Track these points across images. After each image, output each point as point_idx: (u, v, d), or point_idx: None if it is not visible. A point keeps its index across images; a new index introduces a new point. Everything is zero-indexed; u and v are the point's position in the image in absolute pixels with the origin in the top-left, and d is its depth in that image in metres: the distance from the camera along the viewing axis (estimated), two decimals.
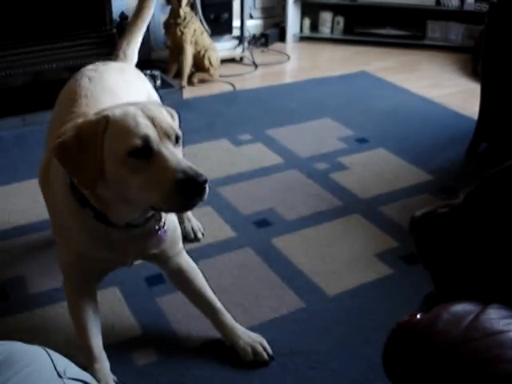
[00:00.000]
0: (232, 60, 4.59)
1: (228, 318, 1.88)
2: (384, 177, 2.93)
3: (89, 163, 1.44)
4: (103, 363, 1.74)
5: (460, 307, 0.72)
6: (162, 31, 4.24)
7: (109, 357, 1.81)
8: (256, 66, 4.52)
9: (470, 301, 0.76)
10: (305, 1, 5.08)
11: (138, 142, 1.40)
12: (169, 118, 1.51)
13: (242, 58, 4.64)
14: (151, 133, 1.42)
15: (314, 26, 5.23)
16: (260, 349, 1.83)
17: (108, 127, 1.43)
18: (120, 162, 1.42)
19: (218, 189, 2.77)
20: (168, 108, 1.60)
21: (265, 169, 2.99)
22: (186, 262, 1.90)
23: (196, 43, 4.09)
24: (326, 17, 5.16)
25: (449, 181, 2.91)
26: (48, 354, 1.00)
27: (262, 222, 2.54)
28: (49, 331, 1.96)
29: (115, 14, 3.94)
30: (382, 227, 2.51)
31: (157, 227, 1.66)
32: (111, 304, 2.07)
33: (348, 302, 2.07)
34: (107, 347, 1.85)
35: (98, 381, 1.64)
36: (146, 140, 1.41)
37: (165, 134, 1.44)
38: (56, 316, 2.01)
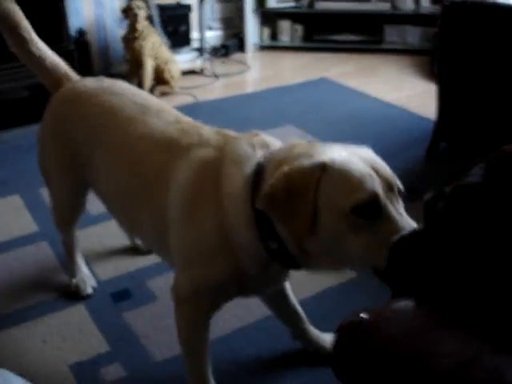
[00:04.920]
0: (192, 72, 4.60)
1: (311, 327, 1.89)
2: None
3: (299, 214, 1.29)
4: None
5: (402, 304, 0.74)
6: (121, 45, 4.23)
7: (77, 374, 1.81)
8: (217, 76, 4.53)
9: (411, 298, 0.78)
10: (263, 10, 5.12)
11: (365, 197, 1.25)
12: (388, 168, 1.34)
13: (202, 70, 4.65)
14: (379, 188, 1.27)
15: (274, 35, 5.28)
16: None
17: (325, 176, 1.28)
18: (340, 218, 1.26)
19: None
20: None
21: None
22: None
23: (155, 56, 4.09)
24: (285, 25, 5.21)
25: (411, 182, 2.94)
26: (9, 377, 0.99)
27: None
28: (14, 353, 1.94)
29: (72, 31, 3.92)
30: None
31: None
32: (78, 322, 2.05)
33: (313, 307, 2.08)
34: (75, 365, 1.85)
35: None
36: (375, 197, 1.25)
37: (390, 187, 1.29)
38: (22, 337, 1.99)
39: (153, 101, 1.78)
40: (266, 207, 1.33)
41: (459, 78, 2.95)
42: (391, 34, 5.09)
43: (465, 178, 0.91)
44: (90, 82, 1.87)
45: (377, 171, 1.29)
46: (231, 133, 1.58)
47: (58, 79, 1.92)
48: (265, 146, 1.50)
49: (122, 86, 1.85)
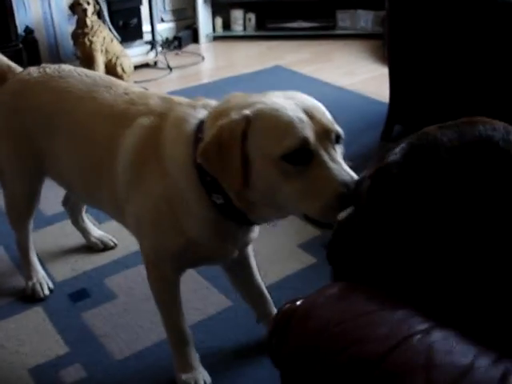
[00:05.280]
0: (146, 65, 4.56)
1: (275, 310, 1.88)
2: None
3: (231, 168, 1.29)
4: (193, 347, 1.75)
5: (334, 290, 0.74)
6: (71, 42, 4.15)
7: (36, 377, 1.78)
8: (171, 69, 4.49)
9: (349, 282, 0.78)
10: (215, 0, 5.08)
11: (294, 143, 1.24)
12: (328, 113, 1.33)
13: (156, 63, 4.60)
14: (310, 134, 1.26)
15: (227, 25, 5.25)
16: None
17: (252, 126, 1.28)
18: (269, 165, 1.27)
19: None
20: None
21: None
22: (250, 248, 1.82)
23: (106, 51, 4.04)
24: (238, 14, 5.18)
25: (367, 165, 2.96)
26: None
27: None
28: None
29: (20, 29, 3.85)
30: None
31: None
32: (35, 324, 2.02)
33: (274, 294, 2.07)
34: (34, 369, 1.82)
35: (188, 367, 1.73)
36: (305, 142, 1.25)
37: (325, 133, 1.27)
38: None
39: (100, 77, 1.79)
40: (202, 163, 1.35)
41: (409, 60, 2.97)
42: (344, 19, 5.10)
43: (386, 158, 0.92)
44: (34, 71, 1.86)
45: (312, 117, 1.28)
46: (178, 99, 1.62)
47: (1, 73, 1.92)
48: (207, 106, 1.52)
49: (66, 68, 1.85)
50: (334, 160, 1.26)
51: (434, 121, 3.15)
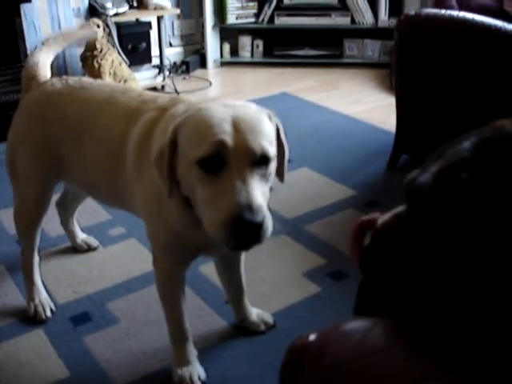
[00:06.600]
0: (154, 89, 4.57)
1: (246, 299, 2.05)
2: (309, 195, 2.95)
3: (164, 174, 1.39)
4: (192, 343, 1.85)
5: (351, 325, 0.72)
6: (79, 64, 4.18)
7: None
8: (178, 93, 4.50)
9: (364, 317, 0.76)
10: (223, 26, 5.12)
11: (208, 149, 1.27)
12: (265, 132, 1.33)
13: (163, 87, 4.63)
14: (228, 142, 1.26)
15: (234, 51, 5.28)
16: (269, 319, 2.05)
17: (180, 133, 1.35)
18: (189, 170, 1.32)
19: None
20: (273, 116, 1.42)
21: None
22: None
23: (114, 74, 4.05)
24: (246, 41, 5.22)
25: (372, 194, 2.96)
26: None
27: None
28: None
29: (29, 50, 3.86)
30: (308, 246, 2.52)
31: None
32: (36, 347, 2.00)
33: (278, 323, 2.06)
34: None
35: (185, 362, 1.83)
36: (219, 148, 1.26)
37: (245, 150, 1.27)
38: None
39: (117, 85, 1.90)
40: (155, 168, 1.43)
41: (416, 90, 2.98)
42: (351, 48, 5.13)
43: (454, 155, 0.77)
44: (57, 82, 1.94)
45: (238, 130, 1.28)
46: (186, 98, 1.69)
47: (28, 81, 2.01)
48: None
49: (86, 80, 1.95)
50: (242, 178, 1.26)
51: None
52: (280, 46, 5.21)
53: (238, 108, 1.35)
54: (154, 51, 4.65)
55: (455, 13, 2.76)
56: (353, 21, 5.01)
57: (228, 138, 1.27)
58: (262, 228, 1.26)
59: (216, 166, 1.27)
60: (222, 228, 1.26)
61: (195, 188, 1.33)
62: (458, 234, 0.73)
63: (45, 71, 2.04)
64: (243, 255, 1.96)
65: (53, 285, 2.30)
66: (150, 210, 1.65)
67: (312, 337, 0.73)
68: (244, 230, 1.24)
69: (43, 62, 2.05)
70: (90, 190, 2.01)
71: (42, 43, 2.15)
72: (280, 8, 5.06)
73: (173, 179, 1.39)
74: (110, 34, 4.14)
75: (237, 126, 1.29)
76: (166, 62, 4.73)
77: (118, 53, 4.18)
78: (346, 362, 0.65)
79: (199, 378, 1.82)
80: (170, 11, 4.66)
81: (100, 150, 1.78)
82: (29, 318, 2.11)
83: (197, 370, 1.83)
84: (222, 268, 2.00)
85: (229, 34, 5.24)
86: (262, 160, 1.30)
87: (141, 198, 1.66)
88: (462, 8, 3.51)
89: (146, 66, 4.62)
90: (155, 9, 4.47)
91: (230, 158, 1.26)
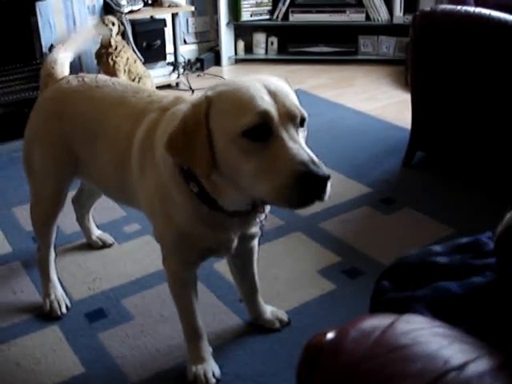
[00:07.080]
0: (168, 86, 4.58)
1: (260, 297, 2.05)
2: None
3: (198, 152, 1.31)
4: (206, 341, 1.86)
5: (368, 323, 0.71)
6: (94, 61, 4.19)
7: None
8: (192, 90, 4.51)
9: (383, 314, 0.75)
10: (237, 23, 5.11)
11: (254, 118, 1.24)
12: (294, 96, 1.35)
13: (178, 84, 4.63)
14: (272, 110, 1.26)
15: (249, 48, 5.27)
16: (284, 316, 2.05)
17: (213, 106, 1.30)
18: (230, 143, 1.27)
19: None
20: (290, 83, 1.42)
21: None
22: (256, 241, 1.87)
23: (129, 71, 4.06)
24: (260, 38, 5.21)
25: (387, 192, 2.94)
26: None
27: None
28: None
29: (45, 47, 3.88)
30: (323, 243, 2.52)
31: (258, 220, 1.58)
32: (52, 343, 2.01)
33: (293, 320, 2.06)
34: None
35: (199, 359, 1.83)
36: (265, 117, 1.24)
37: (288, 114, 1.27)
38: None
39: (131, 85, 1.88)
40: (169, 153, 1.39)
41: (432, 87, 2.96)
42: (366, 44, 5.11)
43: None
44: (73, 80, 1.95)
45: (275, 98, 1.28)
46: (190, 97, 1.68)
47: (46, 79, 2.03)
48: None
49: (102, 78, 1.94)
50: (293, 139, 1.26)
51: (456, 148, 3.14)
52: (294, 43, 5.19)
53: (264, 80, 1.35)
54: (169, 48, 4.66)
55: (471, 8, 2.74)
56: (367, 17, 4.98)
57: (270, 107, 1.27)
58: (328, 181, 1.25)
59: (264, 135, 1.26)
60: (287, 190, 1.23)
61: (239, 162, 1.28)
62: None
63: (62, 69, 2.05)
64: (256, 254, 1.95)
65: (68, 281, 2.31)
66: (154, 210, 1.65)
67: (329, 335, 0.73)
68: (314, 183, 1.22)
69: (61, 60, 2.07)
70: (103, 188, 2.02)
71: (60, 42, 2.17)
72: (294, 5, 5.05)
73: (211, 157, 1.32)
74: (124, 31, 4.15)
75: (273, 95, 1.29)
76: (181, 60, 4.73)
77: (133, 50, 4.20)
78: (361, 361, 0.64)
79: (214, 376, 1.82)
80: (185, 8, 4.66)
81: (110, 150, 1.79)
82: (44, 315, 2.12)
83: (211, 368, 1.83)
84: (234, 267, 2.00)
85: (243, 31, 5.23)
86: (302, 121, 1.32)
87: (145, 198, 1.67)
88: (477, 4, 3.48)
89: (161, 63, 4.63)
90: (170, 6, 4.48)
91: (276, 125, 1.26)
